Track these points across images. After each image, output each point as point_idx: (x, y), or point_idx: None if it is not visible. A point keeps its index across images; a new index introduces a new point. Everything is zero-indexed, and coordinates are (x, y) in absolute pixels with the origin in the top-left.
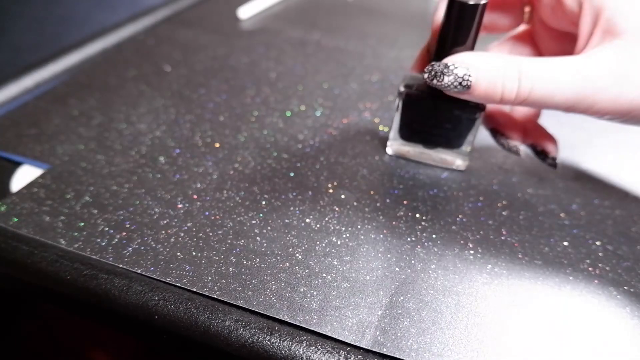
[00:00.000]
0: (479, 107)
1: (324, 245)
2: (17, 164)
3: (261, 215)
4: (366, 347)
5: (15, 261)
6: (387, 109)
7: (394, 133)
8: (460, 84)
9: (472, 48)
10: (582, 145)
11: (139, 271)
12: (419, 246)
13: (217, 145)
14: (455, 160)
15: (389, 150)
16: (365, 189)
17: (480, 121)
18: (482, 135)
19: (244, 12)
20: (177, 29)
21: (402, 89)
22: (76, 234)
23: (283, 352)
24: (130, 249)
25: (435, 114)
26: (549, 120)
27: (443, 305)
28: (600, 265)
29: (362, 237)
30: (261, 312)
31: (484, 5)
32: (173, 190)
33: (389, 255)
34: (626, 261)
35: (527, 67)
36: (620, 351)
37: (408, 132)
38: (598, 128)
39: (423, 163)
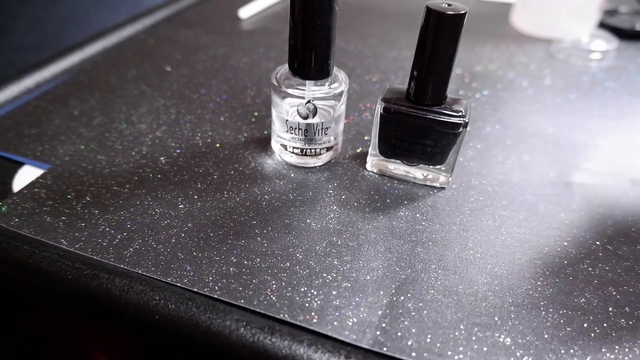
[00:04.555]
0: (461, 122)
1: (324, 245)
2: (19, 164)
3: (261, 215)
4: (367, 347)
5: (17, 261)
6: None
7: (372, 148)
8: None
9: (452, 58)
10: (582, 145)
11: (139, 271)
12: (419, 246)
13: (218, 145)
14: (438, 177)
15: (368, 166)
16: (365, 189)
17: (463, 136)
18: (468, 148)
19: (245, 12)
20: (178, 29)
21: (380, 102)
22: (77, 234)
23: (283, 351)
24: (131, 249)
25: (415, 129)
26: (549, 122)
27: (443, 305)
28: (600, 265)
29: (362, 237)
30: (262, 312)
31: (463, 15)
32: (174, 191)
33: (389, 255)
34: (626, 261)
35: None
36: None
37: (387, 148)
38: (598, 128)
39: (405, 180)
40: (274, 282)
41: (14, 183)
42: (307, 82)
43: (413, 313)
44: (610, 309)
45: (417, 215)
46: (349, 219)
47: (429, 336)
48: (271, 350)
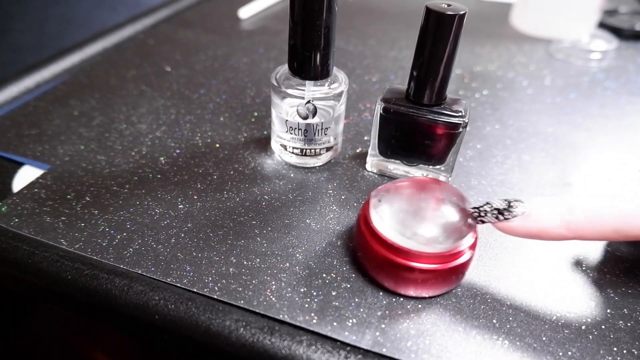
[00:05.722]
0: (461, 122)
1: (324, 245)
2: (18, 164)
3: (261, 215)
4: (366, 348)
5: (17, 261)
6: None
7: (372, 148)
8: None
9: (452, 58)
10: (582, 144)
11: (139, 272)
12: None
13: (217, 145)
14: (438, 177)
15: (368, 166)
16: (365, 189)
17: (462, 136)
18: (468, 148)
19: (244, 12)
20: (177, 29)
21: (379, 102)
22: (77, 234)
23: (283, 352)
24: (130, 249)
25: (415, 129)
26: (549, 120)
27: (442, 307)
28: (598, 266)
29: None
30: (261, 312)
31: (463, 15)
32: (173, 191)
33: None
34: (625, 262)
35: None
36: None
37: (387, 148)
38: (598, 128)
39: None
40: (273, 282)
41: (13, 183)
42: (307, 82)
43: (412, 314)
44: (608, 310)
45: None
46: (348, 219)
47: (428, 338)
48: (271, 350)
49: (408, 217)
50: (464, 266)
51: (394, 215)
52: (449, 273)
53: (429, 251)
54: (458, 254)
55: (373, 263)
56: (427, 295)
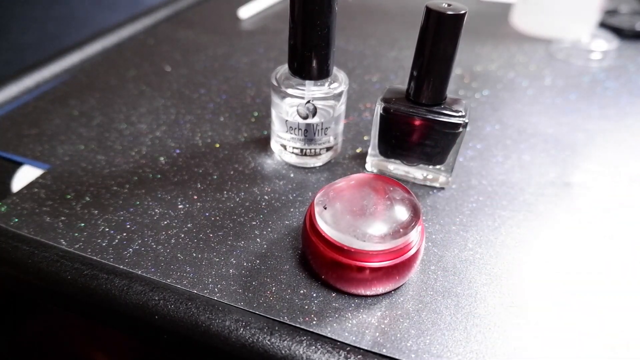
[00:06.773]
0: (461, 122)
1: None
2: (18, 164)
3: (261, 215)
4: (366, 348)
5: (16, 261)
6: None
7: (372, 148)
8: None
9: (452, 58)
10: (582, 144)
11: (139, 272)
12: None
13: (217, 145)
14: (438, 177)
15: (368, 166)
16: None
17: (462, 136)
18: (468, 148)
19: (244, 12)
20: (177, 29)
21: (379, 102)
22: (77, 234)
23: (283, 352)
24: (130, 249)
25: (415, 129)
26: (549, 121)
27: (442, 306)
28: (598, 265)
29: None
30: (262, 314)
31: (463, 15)
32: (173, 191)
33: None
34: None
35: None
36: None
37: (387, 148)
38: (598, 128)
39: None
40: (273, 284)
41: (13, 183)
42: (307, 82)
43: (412, 314)
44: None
45: None
46: None
47: (428, 337)
48: (270, 350)
49: (356, 218)
50: (416, 256)
51: (341, 219)
52: (404, 264)
53: (384, 248)
54: (409, 245)
55: (326, 268)
56: (384, 291)
